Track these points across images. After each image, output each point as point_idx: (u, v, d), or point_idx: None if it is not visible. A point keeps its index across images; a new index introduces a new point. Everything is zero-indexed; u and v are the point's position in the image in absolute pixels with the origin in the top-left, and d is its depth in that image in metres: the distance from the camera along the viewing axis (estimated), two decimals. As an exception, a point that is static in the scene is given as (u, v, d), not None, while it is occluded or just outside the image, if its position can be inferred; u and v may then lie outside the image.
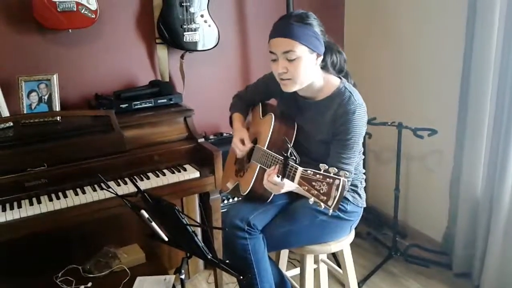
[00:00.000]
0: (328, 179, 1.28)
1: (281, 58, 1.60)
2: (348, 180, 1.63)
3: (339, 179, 1.27)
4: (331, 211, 1.29)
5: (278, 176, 1.47)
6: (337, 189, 1.27)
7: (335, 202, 1.27)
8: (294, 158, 1.41)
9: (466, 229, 2.48)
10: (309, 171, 1.33)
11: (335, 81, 1.71)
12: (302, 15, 1.60)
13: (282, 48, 1.59)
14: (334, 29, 3.17)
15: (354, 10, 3.15)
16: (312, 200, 1.32)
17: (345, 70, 1.77)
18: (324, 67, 1.71)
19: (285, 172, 1.41)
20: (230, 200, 2.68)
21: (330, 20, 3.12)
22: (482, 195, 2.39)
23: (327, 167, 1.30)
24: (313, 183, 1.31)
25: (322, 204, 1.29)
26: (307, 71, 1.62)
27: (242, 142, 1.86)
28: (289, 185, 1.47)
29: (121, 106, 2.33)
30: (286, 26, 1.58)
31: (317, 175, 1.31)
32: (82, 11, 2.28)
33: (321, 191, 1.29)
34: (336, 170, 1.29)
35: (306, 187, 1.32)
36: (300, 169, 1.36)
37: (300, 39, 1.57)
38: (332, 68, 1.73)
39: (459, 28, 2.37)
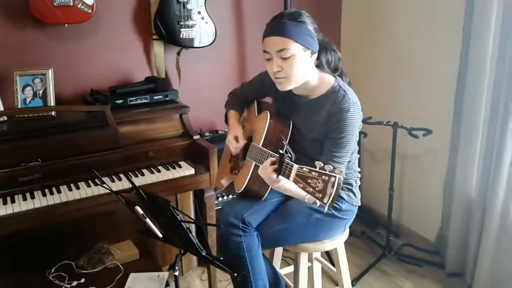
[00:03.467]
0: (323, 176, 1.28)
1: (275, 57, 1.60)
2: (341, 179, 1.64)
3: (335, 177, 1.26)
4: (326, 208, 1.29)
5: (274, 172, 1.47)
6: (332, 187, 1.26)
7: (330, 199, 1.27)
8: (290, 156, 1.41)
9: (459, 229, 2.49)
10: (304, 169, 1.33)
11: (329, 79, 1.72)
12: (294, 13, 1.61)
13: (275, 46, 1.59)
14: (330, 28, 3.18)
15: (351, 9, 3.15)
16: (307, 197, 1.32)
17: (339, 69, 1.77)
18: (318, 65, 1.71)
19: (281, 170, 1.41)
20: (225, 198, 2.68)
21: (326, 19, 3.15)
22: (475, 196, 2.40)
23: (322, 164, 1.30)
24: (309, 181, 1.31)
25: (317, 201, 1.29)
26: (301, 69, 1.62)
27: (236, 139, 1.86)
28: (285, 182, 1.47)
29: (116, 102, 2.32)
30: (279, 25, 1.58)
31: (313, 173, 1.30)
32: (79, 6, 2.26)
33: (317, 189, 1.29)
34: (332, 167, 1.29)
35: (302, 185, 1.32)
36: (295, 166, 1.36)
37: (294, 37, 1.57)
38: (327, 67, 1.73)
39: (456, 28, 2.38)
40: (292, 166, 1.37)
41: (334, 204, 1.74)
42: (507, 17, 2.08)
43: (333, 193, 1.26)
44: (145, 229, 1.67)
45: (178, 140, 2.35)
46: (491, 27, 2.19)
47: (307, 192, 1.31)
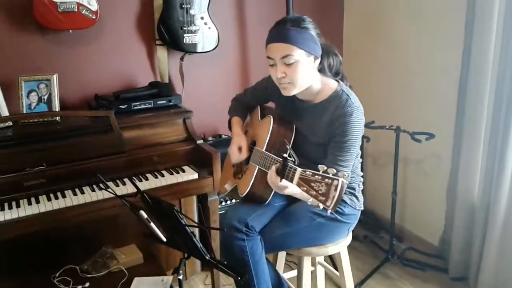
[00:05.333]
0: (326, 179, 1.29)
1: (279, 63, 1.61)
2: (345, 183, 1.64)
3: (338, 180, 1.27)
4: (329, 211, 1.29)
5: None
6: (335, 190, 1.27)
7: (333, 202, 1.27)
8: (293, 160, 1.42)
9: (463, 233, 2.49)
10: (307, 172, 1.34)
11: (332, 84, 1.73)
12: (297, 19, 1.62)
13: (279, 53, 1.60)
14: (333, 32, 3.19)
15: (353, 13, 3.17)
16: (310, 200, 1.33)
17: (341, 73, 1.78)
18: (321, 70, 1.72)
19: (284, 173, 1.42)
20: (228, 202, 2.68)
21: (329, 23, 3.16)
22: (478, 199, 2.40)
23: (326, 167, 1.31)
24: (312, 184, 1.32)
25: (320, 204, 1.30)
26: (305, 74, 1.63)
27: (240, 149, 1.87)
28: (290, 186, 1.48)
29: (120, 106, 2.34)
30: (283, 31, 1.59)
31: (316, 176, 1.31)
32: (83, 12, 2.28)
33: (320, 192, 1.30)
34: (335, 171, 1.30)
35: (305, 188, 1.33)
36: (299, 170, 1.36)
37: (297, 43, 1.58)
38: (329, 71, 1.74)
39: (457, 32, 2.38)
40: (295, 169, 1.38)
41: (337, 208, 1.76)
42: (509, 18, 2.09)
43: (336, 196, 1.27)
44: (149, 233, 1.68)
45: (181, 145, 2.36)
46: (493, 29, 2.19)
47: (311, 195, 1.31)
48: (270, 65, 1.65)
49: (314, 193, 1.30)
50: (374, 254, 2.86)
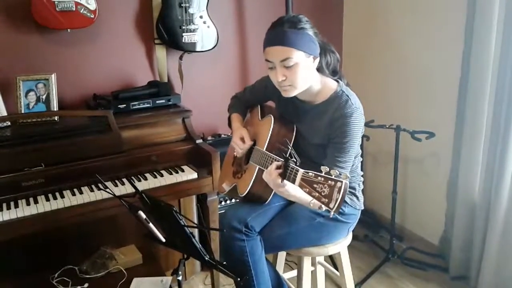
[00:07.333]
0: (329, 181, 1.27)
1: (279, 66, 1.59)
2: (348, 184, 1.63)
3: (341, 182, 1.26)
4: (332, 213, 1.28)
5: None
6: (339, 192, 1.25)
7: (336, 204, 1.26)
8: (295, 160, 1.40)
9: (463, 232, 2.48)
10: (310, 173, 1.32)
11: (332, 84, 1.71)
12: (294, 19, 1.59)
13: (279, 56, 1.58)
14: (332, 31, 3.18)
15: (353, 12, 3.16)
16: (312, 202, 1.31)
17: (338, 71, 1.77)
18: (319, 69, 1.70)
19: (286, 174, 1.40)
20: (228, 202, 2.67)
21: (328, 22, 3.15)
22: (479, 198, 2.39)
23: (328, 169, 1.29)
24: (315, 185, 1.30)
25: (323, 206, 1.28)
26: (305, 75, 1.62)
27: (242, 140, 1.86)
28: (290, 187, 1.46)
29: (119, 106, 2.33)
30: (280, 34, 1.57)
31: (319, 177, 1.29)
32: (81, 11, 2.27)
33: (323, 193, 1.28)
34: (338, 172, 1.28)
35: (307, 189, 1.31)
36: (301, 171, 1.35)
37: (296, 45, 1.56)
38: (327, 69, 1.73)
39: (458, 31, 2.38)
40: (297, 170, 1.36)
41: (338, 209, 1.75)
42: (509, 17, 2.08)
43: (339, 198, 1.25)
44: (149, 233, 1.67)
45: (180, 144, 2.35)
46: (493, 28, 2.18)
47: (313, 197, 1.29)
48: (269, 68, 1.63)
49: (317, 194, 1.29)
50: (375, 253, 2.86)
